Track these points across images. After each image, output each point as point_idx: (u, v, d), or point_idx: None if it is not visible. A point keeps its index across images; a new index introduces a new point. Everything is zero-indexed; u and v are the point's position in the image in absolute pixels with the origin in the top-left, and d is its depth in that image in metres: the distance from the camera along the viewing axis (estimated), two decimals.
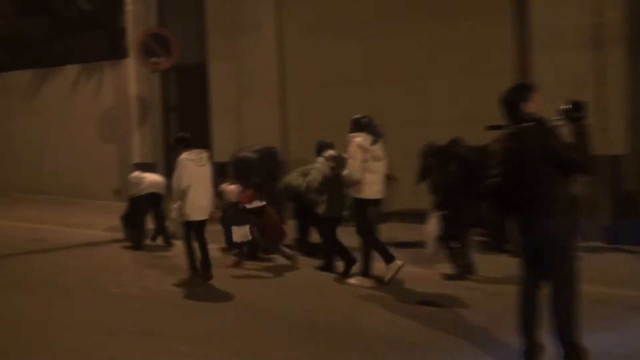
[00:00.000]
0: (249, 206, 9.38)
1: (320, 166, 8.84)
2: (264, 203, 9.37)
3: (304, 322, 6.84)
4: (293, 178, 9.99)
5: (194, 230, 8.65)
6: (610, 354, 5.66)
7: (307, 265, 9.27)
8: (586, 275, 5.72)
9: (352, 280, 8.42)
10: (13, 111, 17.74)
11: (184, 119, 15.45)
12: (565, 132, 7.94)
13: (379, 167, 8.40)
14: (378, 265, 8.48)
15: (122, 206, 11.61)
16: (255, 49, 13.78)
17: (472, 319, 6.82)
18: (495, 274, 8.37)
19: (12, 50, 18.05)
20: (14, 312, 7.48)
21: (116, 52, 16.12)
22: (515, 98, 5.45)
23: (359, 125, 8.35)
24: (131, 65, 15.50)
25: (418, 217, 9.79)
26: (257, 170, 10.90)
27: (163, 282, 8.66)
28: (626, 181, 10.30)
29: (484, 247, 9.55)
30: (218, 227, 10.00)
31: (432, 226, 8.98)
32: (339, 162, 8.70)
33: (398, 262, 8.37)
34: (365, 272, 8.42)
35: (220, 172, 10.98)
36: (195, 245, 8.65)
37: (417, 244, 9.91)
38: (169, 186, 9.50)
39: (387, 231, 10.51)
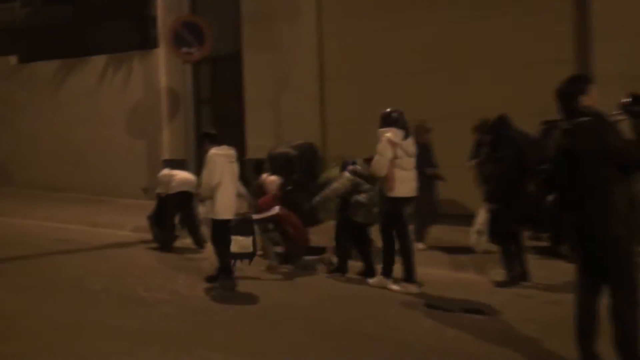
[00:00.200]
0: (256, 216, 9.50)
1: (343, 180, 9.04)
2: (276, 211, 9.43)
3: (344, 331, 6.87)
4: (333, 171, 10.05)
5: (222, 229, 8.78)
6: None
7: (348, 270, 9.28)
8: None
9: (373, 280, 8.58)
10: (38, 104, 18.04)
11: (217, 112, 15.59)
12: (626, 127, 7.85)
13: (411, 163, 8.46)
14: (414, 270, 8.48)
15: (150, 205, 11.77)
16: (294, 38, 13.83)
17: (526, 329, 6.78)
18: (551, 280, 8.31)
19: (36, 39, 18.35)
20: (39, 315, 7.61)
21: (146, 42, 16.31)
22: (572, 90, 5.41)
23: (388, 120, 8.43)
24: (162, 56, 15.70)
25: (467, 219, 9.79)
26: (296, 167, 10.97)
27: (194, 286, 8.77)
28: None
29: (538, 251, 9.47)
30: None
31: (481, 220, 8.97)
32: (362, 177, 8.94)
33: (394, 287, 8.38)
34: (410, 277, 8.41)
35: (256, 169, 11.09)
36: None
37: (465, 249, 9.93)
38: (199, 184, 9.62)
39: (433, 233, 10.55)
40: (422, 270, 9.06)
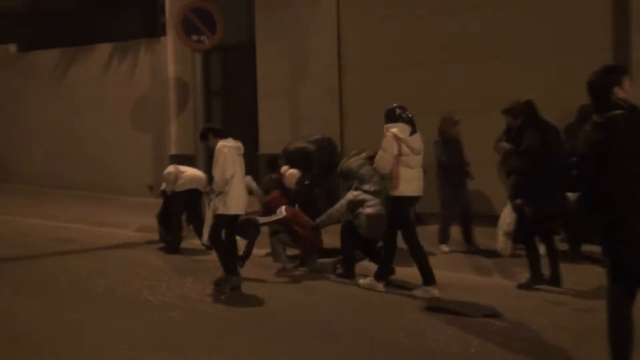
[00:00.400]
0: (262, 220, 9.59)
1: (344, 202, 9.37)
2: (282, 215, 9.48)
3: (362, 338, 6.89)
4: (351, 160, 10.14)
5: (229, 225, 8.86)
6: None
7: (363, 273, 9.30)
8: None
9: (365, 281, 8.73)
10: (38, 95, 18.17)
11: (228, 105, 15.65)
12: None
13: (418, 161, 8.54)
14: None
15: (157, 203, 11.85)
16: (310, 26, 13.85)
17: (556, 337, 6.78)
18: (584, 286, 8.30)
19: (37, 26, 18.48)
20: (40, 319, 7.70)
21: (153, 29, 16.38)
22: (606, 81, 5.37)
23: (393, 116, 8.55)
24: (170, 44, 15.78)
25: (494, 219, 9.79)
26: (315, 163, 11.03)
27: (202, 289, 8.83)
28: None
29: (571, 255, 9.44)
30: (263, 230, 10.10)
31: (506, 218, 8.96)
32: (369, 193, 9.24)
33: (380, 287, 8.61)
34: (428, 280, 8.52)
35: (271, 165, 11.15)
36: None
37: (492, 251, 9.94)
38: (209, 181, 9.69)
39: (455, 234, 10.56)
40: (446, 274, 9.09)
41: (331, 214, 9.48)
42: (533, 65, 11.71)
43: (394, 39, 13.05)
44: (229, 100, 15.69)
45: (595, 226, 5.46)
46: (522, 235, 8.71)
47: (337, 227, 9.61)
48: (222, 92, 15.77)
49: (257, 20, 14.58)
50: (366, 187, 9.30)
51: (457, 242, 10.57)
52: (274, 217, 9.54)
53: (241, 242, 9.40)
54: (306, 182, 10.38)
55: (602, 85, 5.39)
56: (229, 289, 8.64)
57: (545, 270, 8.53)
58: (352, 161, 9.89)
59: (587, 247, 9.48)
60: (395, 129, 8.44)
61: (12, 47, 19.16)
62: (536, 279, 8.43)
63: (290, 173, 10.31)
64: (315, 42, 13.85)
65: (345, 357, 6.43)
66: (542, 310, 7.64)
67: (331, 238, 9.80)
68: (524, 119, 8.76)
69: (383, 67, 13.18)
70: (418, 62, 12.81)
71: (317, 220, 9.60)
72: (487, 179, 11.01)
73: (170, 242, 11.14)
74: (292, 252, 9.91)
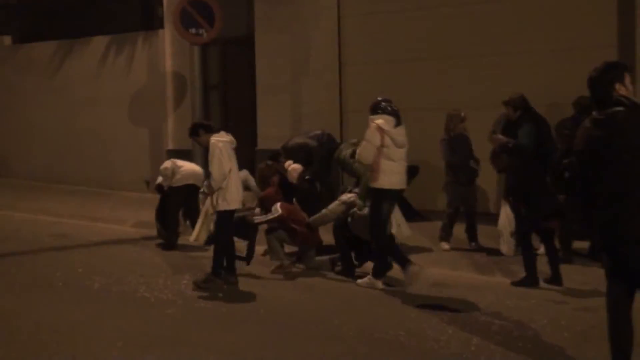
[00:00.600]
0: (258, 220, 9.66)
1: (334, 206, 9.43)
2: (278, 213, 9.53)
3: (362, 336, 6.93)
4: (344, 150, 10.26)
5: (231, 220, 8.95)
6: None
7: (364, 272, 9.34)
8: None
9: (363, 281, 8.79)
10: (33, 88, 18.19)
11: (227, 99, 15.68)
12: None
13: (400, 154, 8.64)
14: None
15: (153, 198, 11.90)
16: (311, 19, 13.87)
17: (557, 336, 6.83)
18: (585, 285, 8.35)
19: (32, 18, 18.48)
20: (34, 315, 7.74)
21: (150, 22, 16.41)
22: (608, 78, 5.37)
23: (378, 108, 8.69)
24: (167, 37, 15.81)
25: (491, 217, 9.86)
26: (316, 159, 11.08)
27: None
28: None
29: (563, 255, 9.47)
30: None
31: (504, 219, 9.02)
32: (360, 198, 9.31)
33: (379, 284, 8.66)
34: (378, 273, 8.74)
35: (272, 161, 11.18)
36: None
37: (489, 249, 10.01)
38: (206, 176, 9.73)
39: (457, 232, 10.61)
40: (446, 272, 9.17)
41: (324, 215, 9.52)
42: (537, 62, 11.73)
43: (395, 33, 13.07)
44: (227, 94, 15.72)
45: (591, 225, 5.48)
46: (518, 235, 8.76)
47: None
48: (221, 86, 15.79)
49: (256, 13, 14.60)
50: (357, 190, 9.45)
51: (459, 240, 10.60)
52: (270, 216, 9.58)
53: (240, 244, 9.45)
54: (306, 177, 10.43)
55: (603, 81, 5.39)
56: (223, 284, 8.74)
57: (546, 269, 8.58)
58: (343, 151, 10.03)
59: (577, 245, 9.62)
60: (380, 120, 8.55)
61: (7, 39, 19.17)
62: (529, 281, 8.48)
63: (293, 168, 10.38)
64: (315, 37, 13.88)
65: (345, 356, 6.47)
66: (542, 309, 7.68)
67: (330, 235, 9.83)
68: (522, 112, 8.92)
69: (383, 62, 13.21)
70: (419, 58, 12.84)
71: (311, 219, 9.65)
72: (486, 176, 11.03)
73: (167, 238, 11.17)
74: (289, 249, 9.94)
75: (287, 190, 10.29)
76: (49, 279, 9.28)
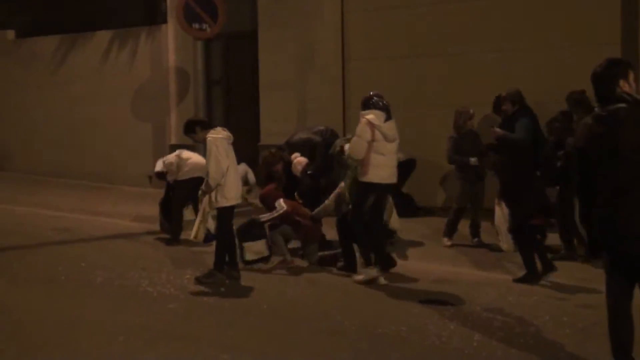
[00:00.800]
0: (264, 218, 9.66)
1: (332, 197, 9.48)
2: (284, 209, 9.55)
3: (364, 332, 6.96)
4: (338, 145, 10.28)
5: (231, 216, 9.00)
6: None
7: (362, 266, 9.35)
8: None
9: (359, 277, 8.81)
10: (36, 82, 18.19)
11: (229, 94, 15.68)
12: None
13: (390, 149, 8.72)
14: None
15: (156, 193, 11.91)
16: (314, 15, 13.88)
17: (559, 333, 6.86)
18: (587, 282, 8.36)
19: (35, 12, 18.49)
20: (36, 309, 7.77)
21: (154, 17, 16.40)
22: (612, 74, 5.37)
23: (368, 103, 8.78)
24: (170, 32, 15.80)
25: (488, 214, 9.89)
26: (320, 155, 11.09)
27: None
28: None
29: (567, 254, 9.50)
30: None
31: (500, 216, 9.06)
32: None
33: (374, 272, 8.71)
34: (350, 266, 8.94)
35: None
36: None
37: (491, 245, 10.04)
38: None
39: (461, 228, 10.63)
40: (448, 268, 9.19)
41: (327, 205, 9.54)
42: (540, 58, 11.74)
43: (398, 29, 13.07)
44: (230, 89, 15.72)
45: (590, 221, 5.48)
46: (514, 232, 8.80)
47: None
48: (223, 81, 15.79)
49: (259, 9, 14.60)
50: None
51: (462, 236, 10.62)
52: (275, 213, 9.59)
53: (257, 245, 9.53)
54: (308, 172, 10.44)
55: (607, 77, 5.38)
56: (225, 280, 8.77)
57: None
58: (339, 143, 10.06)
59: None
60: (370, 115, 8.63)
61: (10, 34, 19.17)
62: (531, 277, 8.51)
63: (299, 160, 10.41)
64: (319, 32, 13.88)
65: (347, 351, 6.50)
66: (544, 306, 7.70)
67: (333, 231, 9.86)
68: (518, 107, 9.05)
69: (387, 58, 13.21)
70: (422, 54, 12.84)
71: (314, 212, 9.67)
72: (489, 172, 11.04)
73: (170, 231, 11.17)
74: (291, 245, 9.96)
75: (289, 183, 10.31)
76: (51, 273, 9.31)
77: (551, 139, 9.34)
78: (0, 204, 14.65)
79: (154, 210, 11.66)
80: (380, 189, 8.77)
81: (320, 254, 9.73)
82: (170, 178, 11.23)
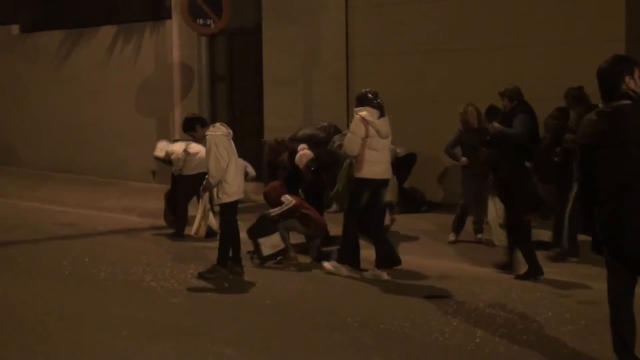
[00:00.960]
0: (274, 212, 9.65)
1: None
2: (293, 203, 9.57)
3: (367, 328, 6.96)
4: (337, 141, 10.33)
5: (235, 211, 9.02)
6: None
7: (366, 262, 9.37)
8: None
9: (328, 265, 8.98)
10: (41, 77, 18.21)
11: (233, 90, 15.69)
12: None
13: (384, 145, 8.81)
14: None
15: (160, 189, 11.93)
16: (319, 11, 13.88)
17: (561, 330, 6.86)
18: (590, 278, 8.37)
19: (40, 8, 18.49)
20: (40, 303, 7.79)
21: (158, 12, 16.41)
22: (620, 70, 5.35)
23: (364, 100, 8.87)
24: (175, 28, 15.81)
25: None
26: (323, 151, 11.11)
27: None
28: None
29: (571, 251, 9.49)
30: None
31: (493, 212, 9.10)
32: None
33: (344, 270, 8.83)
34: (345, 259, 8.94)
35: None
36: None
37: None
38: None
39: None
40: (451, 264, 9.20)
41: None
42: (545, 54, 11.73)
43: (403, 25, 13.06)
44: (234, 85, 15.73)
45: (591, 217, 5.47)
46: (509, 229, 8.80)
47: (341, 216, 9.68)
48: (228, 77, 15.80)
49: (264, 4, 14.60)
50: None
51: (466, 232, 10.62)
52: (285, 207, 9.61)
53: (272, 239, 9.49)
54: (312, 168, 10.45)
55: (613, 72, 5.37)
56: (229, 276, 8.78)
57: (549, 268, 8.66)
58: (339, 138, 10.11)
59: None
60: (364, 112, 8.71)
61: (15, 29, 19.17)
62: (533, 272, 8.54)
63: (304, 153, 10.40)
64: (323, 28, 13.88)
65: (350, 347, 6.50)
66: (546, 302, 7.71)
67: (335, 227, 9.88)
68: (517, 103, 9.19)
69: (391, 53, 13.20)
70: (427, 50, 12.83)
71: (335, 190, 9.91)
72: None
73: (174, 225, 11.18)
74: (295, 240, 9.97)
75: (292, 178, 10.32)
76: (54, 268, 9.33)
77: (547, 136, 9.36)
78: (4, 198, 14.71)
79: (158, 205, 11.67)
80: (375, 185, 8.83)
81: (323, 249, 9.73)
82: (174, 170, 11.23)
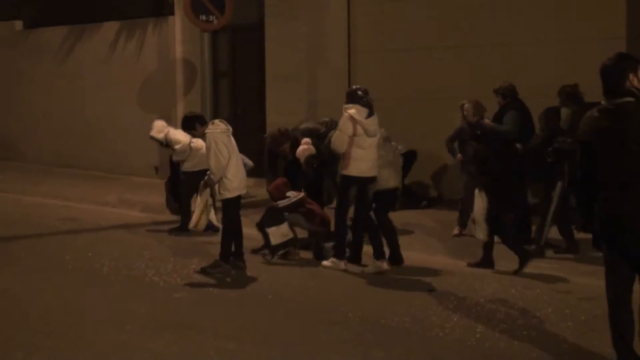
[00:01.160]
0: (282, 204, 9.66)
1: None
2: (301, 195, 9.61)
3: (368, 323, 6.99)
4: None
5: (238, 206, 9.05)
6: None
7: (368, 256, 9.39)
8: None
9: (326, 262, 9.05)
10: (44, 73, 18.23)
11: (236, 86, 15.70)
12: None
13: (370, 143, 8.87)
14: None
15: (162, 184, 11.96)
16: (321, 7, 13.89)
17: (561, 326, 6.89)
18: (590, 275, 8.35)
19: (43, 3, 18.50)
20: (43, 298, 7.83)
21: (161, 8, 16.42)
22: (623, 67, 5.34)
23: (353, 97, 8.92)
24: (178, 24, 15.81)
25: None
26: (324, 146, 11.10)
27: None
28: None
29: (569, 248, 9.50)
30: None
31: (478, 207, 9.14)
32: None
33: (342, 264, 8.94)
34: (340, 253, 9.00)
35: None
36: None
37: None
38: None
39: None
40: (450, 261, 9.24)
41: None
42: (547, 52, 11.73)
43: (405, 22, 13.06)
44: (236, 82, 15.73)
45: (591, 215, 5.49)
46: (492, 225, 8.82)
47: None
48: (230, 73, 15.80)
49: (266, 1, 14.60)
50: None
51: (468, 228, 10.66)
52: (293, 199, 9.63)
53: (282, 228, 9.51)
54: (314, 165, 10.45)
55: (616, 69, 5.35)
56: (228, 271, 8.81)
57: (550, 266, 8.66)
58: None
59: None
60: (352, 110, 8.78)
61: (18, 24, 19.20)
62: (524, 259, 8.58)
63: (306, 148, 10.35)
64: (325, 25, 13.89)
65: (351, 342, 6.54)
66: (547, 298, 7.73)
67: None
68: (509, 100, 9.30)
69: (393, 50, 13.20)
70: (429, 46, 12.84)
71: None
72: None
73: (176, 210, 11.26)
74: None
75: (293, 174, 10.31)
76: (58, 263, 9.36)
77: (540, 135, 9.36)
78: (7, 193, 14.74)
79: (160, 200, 11.70)
80: (361, 182, 8.91)
81: (325, 244, 9.74)
82: (175, 159, 11.30)
